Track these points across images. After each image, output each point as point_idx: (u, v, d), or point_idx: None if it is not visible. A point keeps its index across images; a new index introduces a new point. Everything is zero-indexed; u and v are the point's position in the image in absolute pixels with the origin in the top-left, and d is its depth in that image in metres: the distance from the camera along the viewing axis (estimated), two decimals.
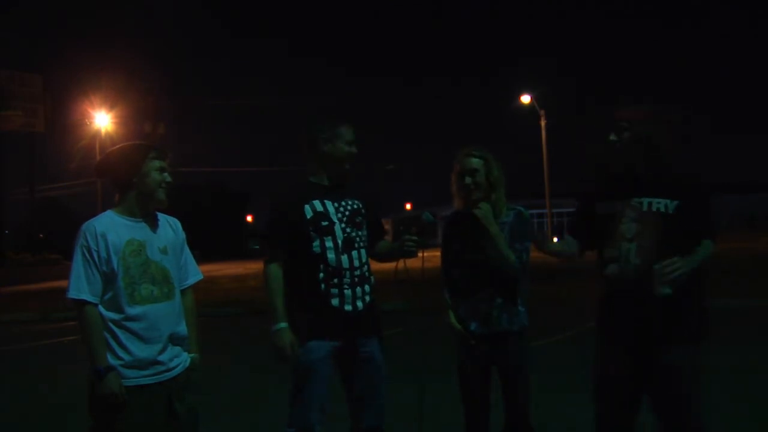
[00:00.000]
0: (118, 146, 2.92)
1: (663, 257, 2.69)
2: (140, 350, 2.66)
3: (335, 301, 3.05)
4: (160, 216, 2.90)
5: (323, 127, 3.18)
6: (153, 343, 2.69)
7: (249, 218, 69.37)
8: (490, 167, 3.23)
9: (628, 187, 2.86)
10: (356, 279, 3.09)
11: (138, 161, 2.78)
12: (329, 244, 3.07)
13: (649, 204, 2.81)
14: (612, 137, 2.87)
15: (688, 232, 2.76)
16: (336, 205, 3.14)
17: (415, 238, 3.09)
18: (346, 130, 3.18)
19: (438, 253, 3.29)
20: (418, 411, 3.30)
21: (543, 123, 34.06)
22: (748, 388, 5.35)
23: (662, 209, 2.79)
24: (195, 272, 3.00)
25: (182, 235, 2.95)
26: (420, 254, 3.21)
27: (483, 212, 3.15)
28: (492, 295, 3.17)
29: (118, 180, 2.82)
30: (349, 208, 3.17)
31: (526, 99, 34.08)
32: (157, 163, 2.79)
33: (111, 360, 2.63)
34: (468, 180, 3.20)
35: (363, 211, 3.22)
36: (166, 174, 2.81)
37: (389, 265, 3.43)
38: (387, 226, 3.48)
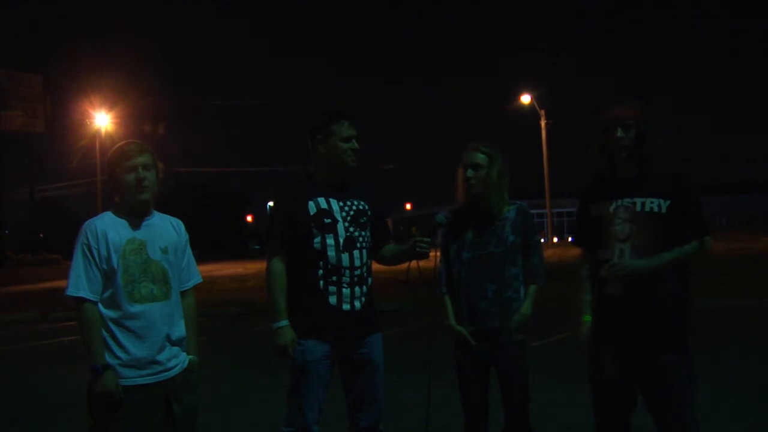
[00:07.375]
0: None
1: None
2: (138, 349, 2.66)
3: (333, 300, 3.04)
4: (164, 216, 2.90)
5: (317, 126, 3.13)
6: (151, 342, 2.69)
7: (249, 218, 69.47)
8: (493, 166, 3.24)
9: (620, 188, 2.86)
10: (356, 279, 3.08)
11: (116, 160, 2.74)
12: (330, 241, 3.05)
13: (642, 204, 2.81)
14: (619, 134, 2.84)
15: (680, 232, 2.77)
16: (341, 204, 3.12)
17: (427, 239, 3.08)
18: (340, 127, 3.10)
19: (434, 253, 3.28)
20: (426, 411, 3.29)
21: (543, 123, 34.06)
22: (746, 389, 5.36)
23: (655, 209, 2.79)
24: (196, 274, 3.00)
25: (185, 236, 2.94)
26: (432, 254, 3.20)
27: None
28: (494, 292, 3.18)
29: (109, 179, 2.83)
30: (354, 208, 3.14)
31: (526, 99, 34.08)
32: (138, 160, 2.71)
33: (109, 359, 2.63)
34: (470, 173, 3.22)
35: (369, 212, 3.20)
36: (144, 172, 2.71)
37: (395, 266, 3.41)
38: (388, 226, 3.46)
